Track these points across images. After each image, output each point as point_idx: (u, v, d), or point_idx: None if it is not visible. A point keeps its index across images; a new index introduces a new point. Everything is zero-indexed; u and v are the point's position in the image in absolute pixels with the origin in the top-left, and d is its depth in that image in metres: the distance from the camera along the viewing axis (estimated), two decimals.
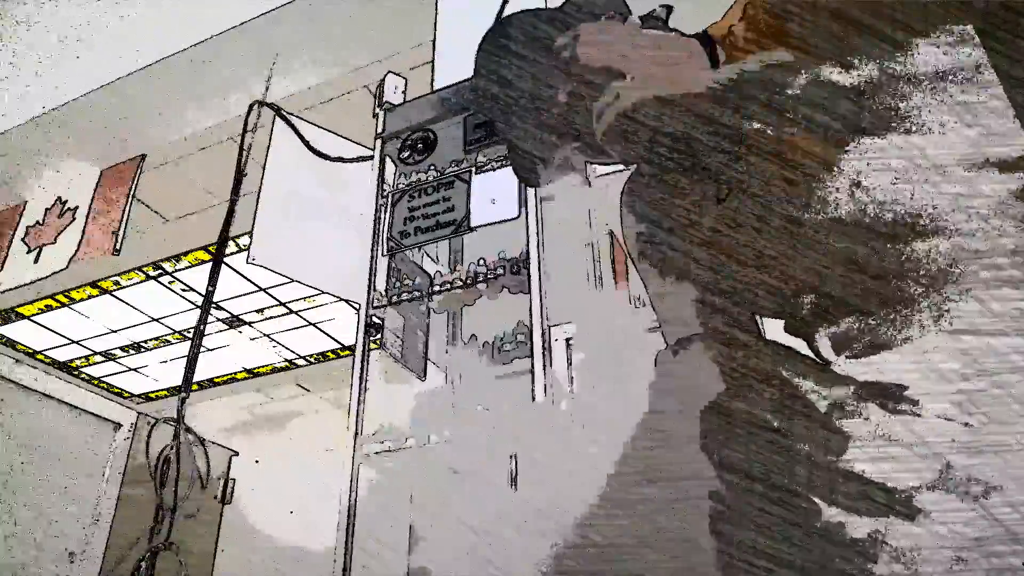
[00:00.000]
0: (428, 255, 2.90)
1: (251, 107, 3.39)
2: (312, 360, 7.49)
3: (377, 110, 2.99)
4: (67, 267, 3.75)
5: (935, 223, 0.93)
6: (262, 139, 3.28)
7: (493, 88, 1.07)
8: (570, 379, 2.20)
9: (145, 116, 4.04)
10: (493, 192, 2.52)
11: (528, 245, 2.38)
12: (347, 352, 7.08)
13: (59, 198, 3.97)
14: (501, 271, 2.42)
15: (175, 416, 3.01)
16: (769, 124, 0.98)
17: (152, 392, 8.13)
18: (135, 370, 7.67)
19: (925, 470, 0.86)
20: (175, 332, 6.93)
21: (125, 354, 7.35)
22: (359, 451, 2.35)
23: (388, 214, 2.70)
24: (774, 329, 1.08)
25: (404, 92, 3.05)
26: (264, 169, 3.14)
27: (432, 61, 3.18)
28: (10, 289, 3.91)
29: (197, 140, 4.23)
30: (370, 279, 2.62)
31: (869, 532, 0.86)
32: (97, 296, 6.20)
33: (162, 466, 3.15)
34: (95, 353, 7.31)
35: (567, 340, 2.23)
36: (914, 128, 0.93)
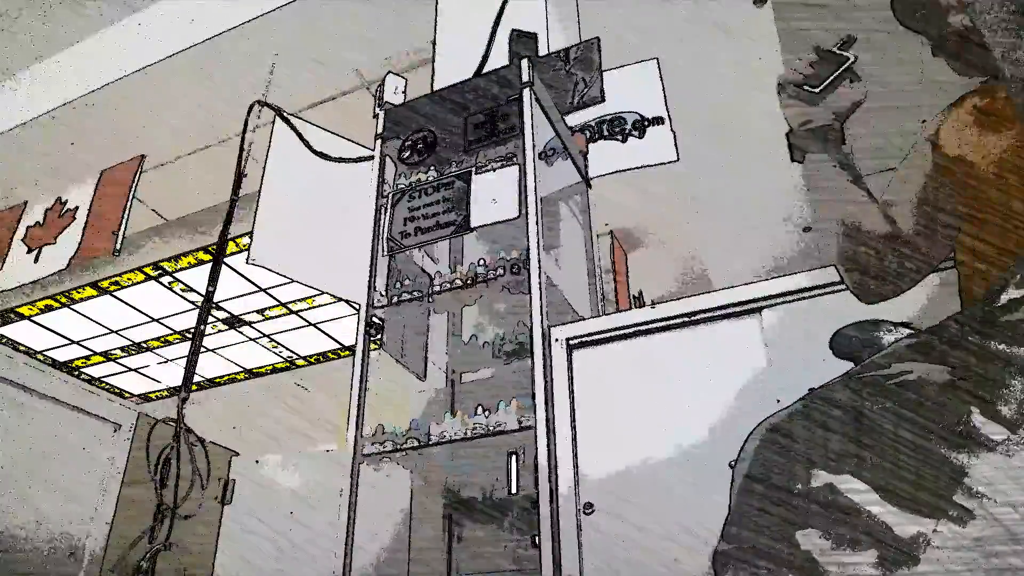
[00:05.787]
0: (428, 255, 2.90)
1: (251, 107, 3.39)
2: (312, 360, 7.49)
3: (377, 110, 2.98)
4: (67, 267, 3.74)
5: None
6: (262, 139, 3.27)
7: None
8: None
9: (145, 116, 4.04)
10: (493, 192, 2.52)
11: (528, 245, 2.38)
12: (347, 352, 7.08)
13: (59, 198, 3.96)
14: (501, 271, 2.42)
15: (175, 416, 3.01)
16: None
17: (152, 392, 8.13)
18: (135, 370, 7.67)
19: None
20: (175, 332, 6.93)
21: (125, 354, 7.35)
22: (359, 451, 2.35)
23: (388, 214, 2.70)
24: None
25: (404, 92, 3.05)
26: (264, 169, 3.14)
27: (432, 61, 3.18)
28: (10, 289, 3.90)
29: (197, 140, 4.23)
30: (370, 279, 2.62)
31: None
32: (97, 296, 6.19)
33: (162, 466, 3.15)
34: (95, 353, 7.31)
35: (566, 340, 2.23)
36: None
